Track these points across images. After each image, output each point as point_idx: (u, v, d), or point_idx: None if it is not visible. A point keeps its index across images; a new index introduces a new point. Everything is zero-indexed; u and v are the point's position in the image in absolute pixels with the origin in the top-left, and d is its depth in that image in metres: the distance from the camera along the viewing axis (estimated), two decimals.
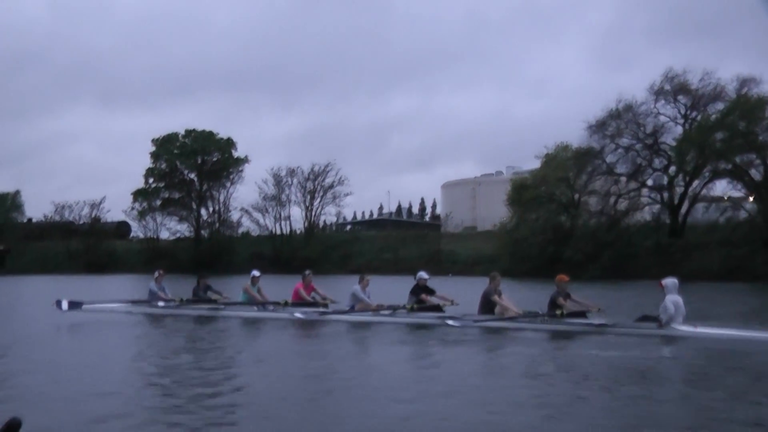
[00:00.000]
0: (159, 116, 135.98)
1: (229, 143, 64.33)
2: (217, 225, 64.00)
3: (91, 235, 67.85)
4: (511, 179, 52.47)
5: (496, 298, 13.07)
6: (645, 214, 46.83)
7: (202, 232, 64.59)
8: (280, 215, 61.90)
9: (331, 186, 60.18)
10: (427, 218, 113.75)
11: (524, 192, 46.82)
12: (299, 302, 14.93)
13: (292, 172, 60.19)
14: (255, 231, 64.94)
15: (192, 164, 63.67)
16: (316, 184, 59.89)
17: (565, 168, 46.49)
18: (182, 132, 64.38)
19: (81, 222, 70.86)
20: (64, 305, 15.25)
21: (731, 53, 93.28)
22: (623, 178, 46.62)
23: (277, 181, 60.43)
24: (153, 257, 63.35)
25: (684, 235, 44.28)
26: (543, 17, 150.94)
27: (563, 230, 45.77)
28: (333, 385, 7.69)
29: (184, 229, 65.60)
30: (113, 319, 15.12)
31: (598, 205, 46.39)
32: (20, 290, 33.48)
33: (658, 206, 46.15)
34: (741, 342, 10.63)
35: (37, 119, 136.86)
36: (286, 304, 14.88)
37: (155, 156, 64.13)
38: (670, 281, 11.58)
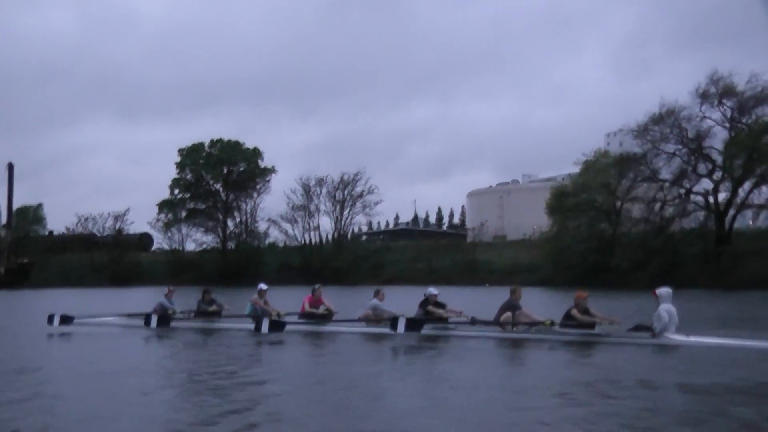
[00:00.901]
0: (180, 128, 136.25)
1: (256, 153, 63.46)
2: (244, 236, 62.95)
3: (115, 247, 66.91)
4: (552, 187, 51.19)
5: (518, 311, 12.90)
6: (691, 221, 45.54)
7: (229, 243, 63.58)
8: (309, 225, 60.91)
9: (361, 195, 59.15)
10: (444, 227, 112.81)
11: (565, 200, 45.68)
12: (305, 314, 14.90)
13: (320, 182, 59.23)
14: (282, 242, 63.95)
15: (218, 174, 62.78)
16: (346, 194, 58.84)
17: (607, 174, 45.36)
18: (208, 142, 63.57)
19: (104, 234, 69.84)
20: (55, 320, 15.36)
21: (754, 59, 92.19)
22: (667, 184, 45.41)
23: (306, 190, 59.40)
24: (179, 269, 62.52)
25: (731, 242, 43.01)
26: (565, 26, 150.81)
27: (606, 238, 44.58)
28: (353, 394, 7.65)
29: (210, 241, 64.63)
30: (107, 333, 15.01)
31: (641, 212, 45.21)
32: (43, 304, 32.60)
33: (703, 213, 44.82)
34: (733, 351, 10.65)
35: (58, 132, 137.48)
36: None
37: (181, 166, 63.29)
38: (664, 290, 11.68)
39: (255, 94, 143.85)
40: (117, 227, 68.53)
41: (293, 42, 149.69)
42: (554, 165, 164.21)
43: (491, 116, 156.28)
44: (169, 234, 64.64)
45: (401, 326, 12.77)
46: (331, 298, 16.02)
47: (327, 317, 14.85)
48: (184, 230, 64.81)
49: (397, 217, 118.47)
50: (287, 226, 61.29)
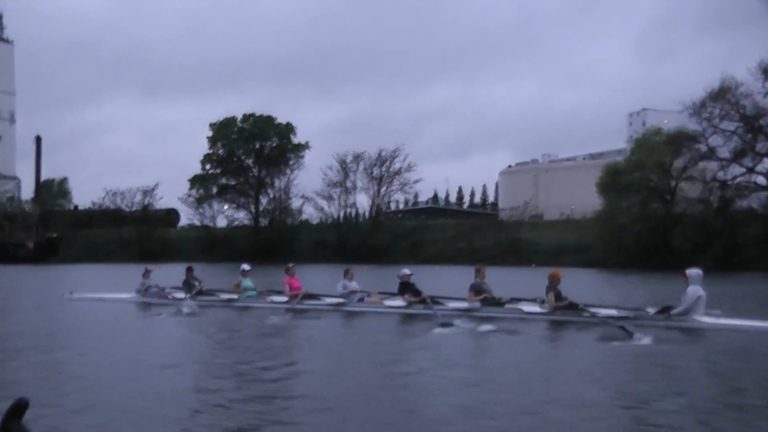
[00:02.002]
0: (203, 106, 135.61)
1: (288, 128, 61.99)
2: (278, 212, 61.67)
3: (144, 222, 65.74)
4: (605, 165, 49.62)
5: (470, 295, 13.15)
6: (751, 201, 44.04)
7: (261, 220, 62.35)
8: (346, 202, 59.57)
9: (398, 172, 57.65)
10: (465, 206, 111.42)
11: (618, 178, 44.21)
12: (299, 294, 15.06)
13: (357, 158, 57.68)
14: (315, 219, 62.70)
15: (250, 150, 61.33)
16: (383, 170, 57.33)
17: (662, 153, 43.82)
18: (240, 116, 62.11)
19: (131, 209, 68.63)
20: (73, 295, 16.77)
21: None
22: (725, 163, 43.89)
23: (343, 166, 57.89)
24: (210, 245, 61.41)
25: None
26: (592, 8, 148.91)
27: (660, 218, 43.19)
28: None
29: (242, 217, 63.38)
30: (121, 310, 15.33)
31: (698, 191, 43.75)
32: (76, 279, 31.54)
33: (765, 193, 43.34)
34: (764, 333, 10.44)
35: (79, 109, 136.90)
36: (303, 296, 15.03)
37: (213, 141, 61.89)
38: (694, 272, 11.41)
39: (279, 73, 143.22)
40: (145, 202, 67.23)
41: (320, 21, 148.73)
42: (574, 146, 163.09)
43: (512, 98, 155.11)
44: (201, 210, 63.38)
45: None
46: (366, 277, 16.64)
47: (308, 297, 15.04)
48: (216, 206, 63.59)
49: (416, 196, 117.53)
50: (323, 203, 60.05)
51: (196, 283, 16.22)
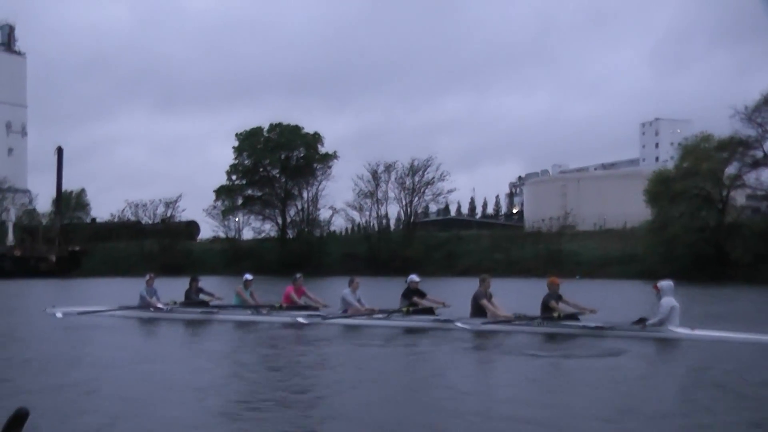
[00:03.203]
0: (215, 120, 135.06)
1: (316, 138, 60.61)
2: (306, 224, 60.18)
3: (167, 234, 64.23)
4: (653, 173, 48.15)
5: (484, 302, 12.95)
6: None
7: (288, 231, 60.85)
8: (378, 213, 58.06)
9: (431, 182, 56.19)
10: (477, 217, 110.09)
11: (669, 185, 42.72)
12: (292, 306, 14.80)
13: (389, 167, 56.23)
14: (343, 230, 61.23)
15: (276, 160, 59.88)
16: (415, 180, 55.86)
17: (714, 160, 42.39)
18: (267, 126, 60.75)
19: (153, 221, 67.12)
20: (58, 313, 15.80)
21: None
22: None
23: (374, 176, 56.44)
24: (235, 258, 59.86)
25: None
26: (607, 20, 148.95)
27: (718, 228, 41.69)
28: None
29: (268, 229, 61.87)
30: (108, 324, 14.99)
31: (754, 199, 42.32)
32: (106, 293, 30.16)
33: None
34: (738, 345, 10.59)
35: (92, 123, 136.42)
36: (281, 307, 14.83)
37: (238, 151, 60.50)
38: (665, 284, 11.65)
39: (292, 86, 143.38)
40: (169, 214, 65.73)
41: (337, 35, 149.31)
42: (584, 156, 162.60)
43: (523, 109, 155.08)
44: (226, 222, 61.90)
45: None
46: (398, 290, 15.08)
47: (311, 308, 14.77)
48: (242, 218, 62.08)
49: (426, 207, 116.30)
50: (355, 214, 58.56)
51: (195, 296, 15.90)
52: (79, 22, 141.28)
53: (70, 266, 59.66)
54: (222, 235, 62.83)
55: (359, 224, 59.64)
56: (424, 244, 54.90)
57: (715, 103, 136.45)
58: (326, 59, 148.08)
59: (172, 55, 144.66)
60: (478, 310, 13.07)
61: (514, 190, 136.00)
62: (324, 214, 61.42)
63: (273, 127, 60.46)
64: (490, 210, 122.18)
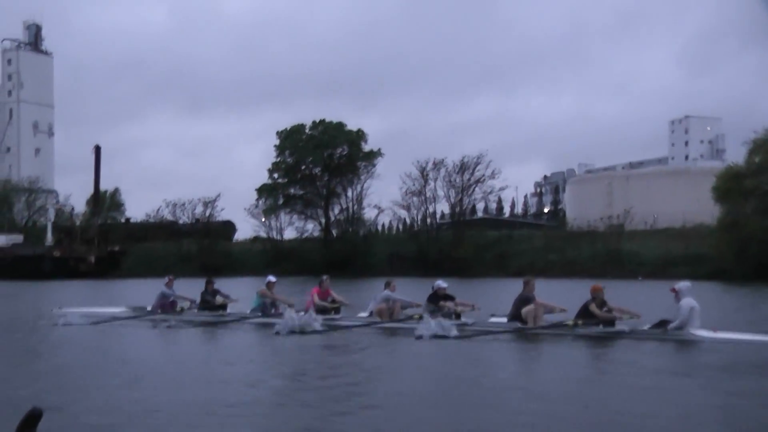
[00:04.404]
0: (243, 121, 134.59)
1: (359, 135, 59.24)
2: (351, 224, 58.84)
3: (206, 235, 63.07)
4: (722, 169, 46.47)
5: (535, 302, 12.66)
6: None
7: (333, 231, 59.54)
8: (426, 212, 56.59)
9: (482, 180, 54.62)
10: (505, 216, 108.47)
11: (740, 182, 41.02)
12: (317, 309, 14.47)
13: (437, 165, 54.73)
14: (388, 229, 59.76)
15: (319, 158, 58.56)
16: (465, 178, 54.28)
17: None
18: (309, 124, 59.50)
19: (193, 221, 65.96)
20: (68, 317, 15.43)
21: None
22: None
23: (423, 174, 54.92)
24: (276, 258, 58.70)
25: None
26: (638, 20, 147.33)
27: None
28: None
29: (311, 228, 60.58)
30: (122, 328, 14.78)
31: None
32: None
33: None
34: (762, 347, 10.43)
35: (121, 125, 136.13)
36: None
37: (280, 149, 59.24)
38: (684, 285, 11.57)
39: (320, 87, 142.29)
40: (207, 214, 64.53)
41: (368, 35, 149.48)
42: (609, 155, 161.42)
43: (549, 109, 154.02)
44: (266, 222, 60.65)
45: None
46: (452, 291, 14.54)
47: (338, 310, 14.67)
48: (284, 217, 60.82)
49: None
50: (403, 212, 57.11)
51: (211, 298, 15.71)
52: (114, 25, 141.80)
53: (109, 267, 58.67)
54: (263, 234, 61.51)
55: (405, 223, 58.08)
56: (473, 244, 53.35)
57: (745, 103, 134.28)
58: (356, 60, 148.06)
59: (204, 56, 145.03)
60: (518, 315, 12.77)
61: (540, 190, 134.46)
62: (369, 213, 60.06)
63: (316, 125, 59.18)
64: (518, 210, 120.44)
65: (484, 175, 53.98)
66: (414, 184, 55.32)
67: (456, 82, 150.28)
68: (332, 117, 59.34)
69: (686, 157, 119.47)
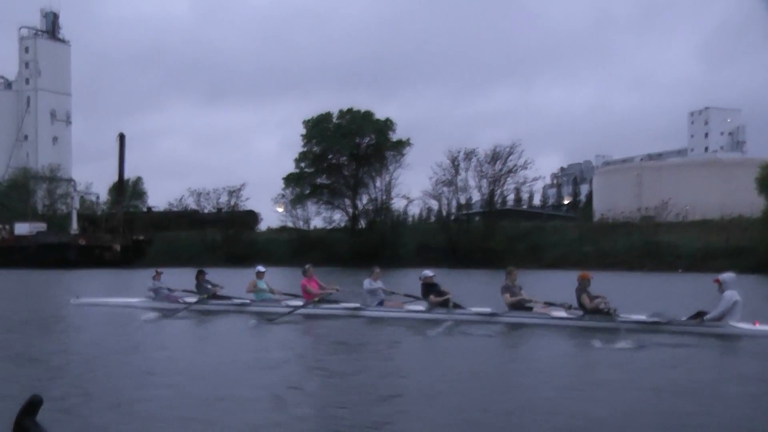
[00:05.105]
0: (261, 112, 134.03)
1: (388, 124, 58.32)
2: (379, 214, 58.03)
3: (231, 224, 62.43)
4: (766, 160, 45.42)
5: (507, 296, 12.98)
6: None
7: (361, 221, 58.78)
8: (457, 202, 55.70)
9: (514, 170, 53.62)
10: (524, 207, 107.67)
11: None
12: (315, 297, 14.74)
13: (469, 155, 53.74)
14: (415, 219, 58.98)
15: (347, 147, 57.71)
16: (497, 168, 53.28)
17: None
18: (336, 112, 58.63)
19: (217, 209, 65.34)
20: (79, 300, 16.93)
21: None
22: None
23: (454, 163, 53.97)
24: (303, 248, 57.98)
25: None
26: (661, 13, 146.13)
27: None
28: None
29: (338, 218, 59.82)
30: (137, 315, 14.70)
31: None
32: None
33: None
34: None
35: (139, 114, 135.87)
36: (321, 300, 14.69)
37: (307, 138, 58.43)
38: (728, 276, 11.30)
39: (341, 77, 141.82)
40: (232, 203, 63.86)
41: (391, 26, 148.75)
42: (627, 147, 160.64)
43: (568, 101, 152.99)
44: (294, 211, 59.97)
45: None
46: (480, 285, 16.00)
47: (334, 290, 15.06)
48: (310, 207, 60.08)
49: (470, 199, 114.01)
50: (433, 203, 56.22)
51: (209, 287, 15.88)
52: (136, 15, 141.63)
53: (134, 256, 58.17)
54: (290, 224, 60.82)
55: (435, 213, 57.21)
56: (506, 235, 52.48)
57: (765, 95, 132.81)
58: (377, 51, 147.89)
59: (225, 47, 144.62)
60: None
61: (557, 181, 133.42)
62: (397, 203, 59.23)
63: (343, 114, 58.30)
64: (536, 201, 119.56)
65: (516, 165, 52.98)
66: (445, 174, 54.31)
67: (477, 74, 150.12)
68: (353, 107, 58.49)
69: (706, 149, 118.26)
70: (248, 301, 15.35)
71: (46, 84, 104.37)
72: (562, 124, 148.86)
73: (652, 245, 47.02)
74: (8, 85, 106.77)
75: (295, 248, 57.87)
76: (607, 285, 20.73)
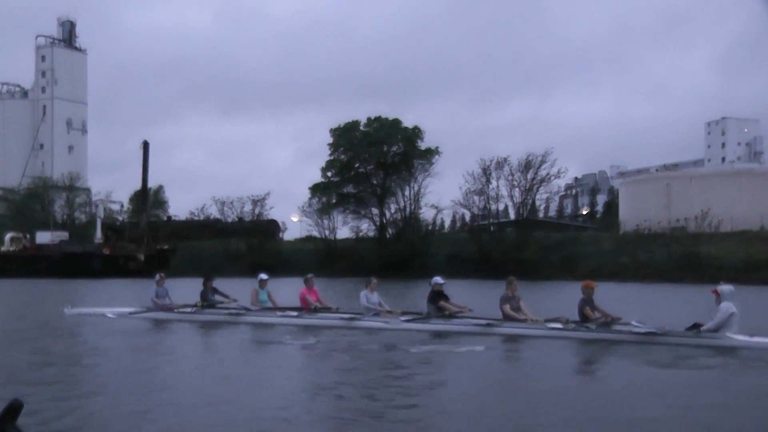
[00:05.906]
0: (277, 124, 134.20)
1: (416, 133, 57.61)
2: (408, 223, 57.20)
3: (255, 233, 61.68)
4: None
5: (506, 308, 12.81)
6: None
7: (389, 230, 57.96)
8: (488, 211, 54.75)
9: (547, 179, 52.74)
10: (552, 217, 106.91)
11: None
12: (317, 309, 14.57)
13: (500, 164, 52.89)
14: (445, 229, 58.14)
15: (374, 155, 56.97)
16: (530, 177, 52.40)
17: None
18: (364, 120, 58.01)
19: (241, 218, 64.64)
20: (69, 311, 16.26)
21: None
22: None
23: (486, 172, 53.12)
24: (329, 258, 57.24)
25: None
26: (681, 23, 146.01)
27: None
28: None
29: (365, 228, 59.04)
30: (133, 325, 14.65)
31: None
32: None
33: None
34: None
35: (157, 126, 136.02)
36: (324, 309, 14.62)
37: (334, 147, 57.78)
38: (726, 288, 11.34)
39: (358, 89, 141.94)
40: (257, 212, 63.15)
41: (410, 38, 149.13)
42: (642, 158, 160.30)
43: (584, 112, 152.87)
44: (320, 221, 59.20)
45: None
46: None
47: (331, 309, 14.64)
48: (337, 217, 59.35)
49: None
50: (465, 212, 55.39)
51: (214, 296, 15.52)
52: (156, 27, 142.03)
53: (158, 265, 57.32)
54: (316, 234, 60.06)
55: (465, 223, 56.35)
56: (538, 245, 51.57)
57: None
58: (393, 63, 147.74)
59: (245, 59, 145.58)
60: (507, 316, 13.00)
61: (574, 192, 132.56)
62: (426, 213, 58.42)
63: (371, 122, 57.67)
64: (552, 212, 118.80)
65: (549, 174, 52.13)
66: (476, 183, 53.48)
67: (494, 85, 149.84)
68: (381, 115, 57.96)
69: (723, 159, 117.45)
70: (243, 311, 15.01)
71: (62, 93, 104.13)
72: (578, 134, 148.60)
73: (692, 257, 46.03)
74: (24, 93, 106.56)
75: (321, 258, 57.18)
76: (652, 298, 20.10)
